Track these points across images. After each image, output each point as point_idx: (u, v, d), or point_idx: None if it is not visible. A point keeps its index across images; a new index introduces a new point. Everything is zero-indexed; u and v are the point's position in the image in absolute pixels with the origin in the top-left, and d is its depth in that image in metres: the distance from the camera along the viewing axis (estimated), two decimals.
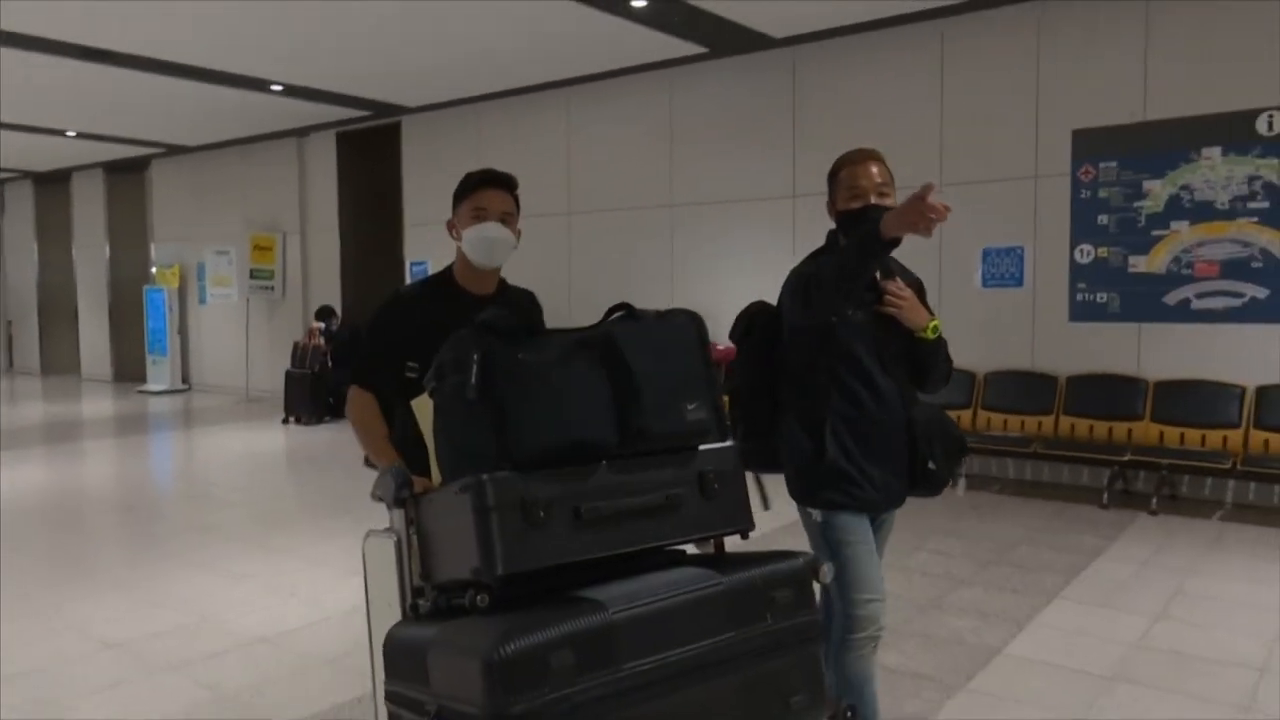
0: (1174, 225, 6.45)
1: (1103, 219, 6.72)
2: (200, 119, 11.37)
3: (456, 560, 1.74)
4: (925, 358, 2.64)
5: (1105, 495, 6.30)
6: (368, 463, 2.38)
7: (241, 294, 12.90)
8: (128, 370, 15.31)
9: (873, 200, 2.57)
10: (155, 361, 14.33)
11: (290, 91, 9.91)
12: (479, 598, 1.66)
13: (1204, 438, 6.20)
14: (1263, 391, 6.13)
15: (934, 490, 2.66)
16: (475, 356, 1.73)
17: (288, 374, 11.15)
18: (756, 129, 8.42)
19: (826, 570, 1.89)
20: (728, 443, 1.98)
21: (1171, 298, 6.46)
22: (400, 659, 1.75)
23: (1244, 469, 5.93)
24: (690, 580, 1.73)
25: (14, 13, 7.14)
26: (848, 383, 2.55)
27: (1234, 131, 6.19)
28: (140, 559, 5.57)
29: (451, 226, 2.53)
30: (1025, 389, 6.94)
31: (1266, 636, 4.02)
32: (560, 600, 1.65)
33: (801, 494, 2.62)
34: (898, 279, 2.60)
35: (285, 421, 10.83)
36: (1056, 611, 4.36)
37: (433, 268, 10.94)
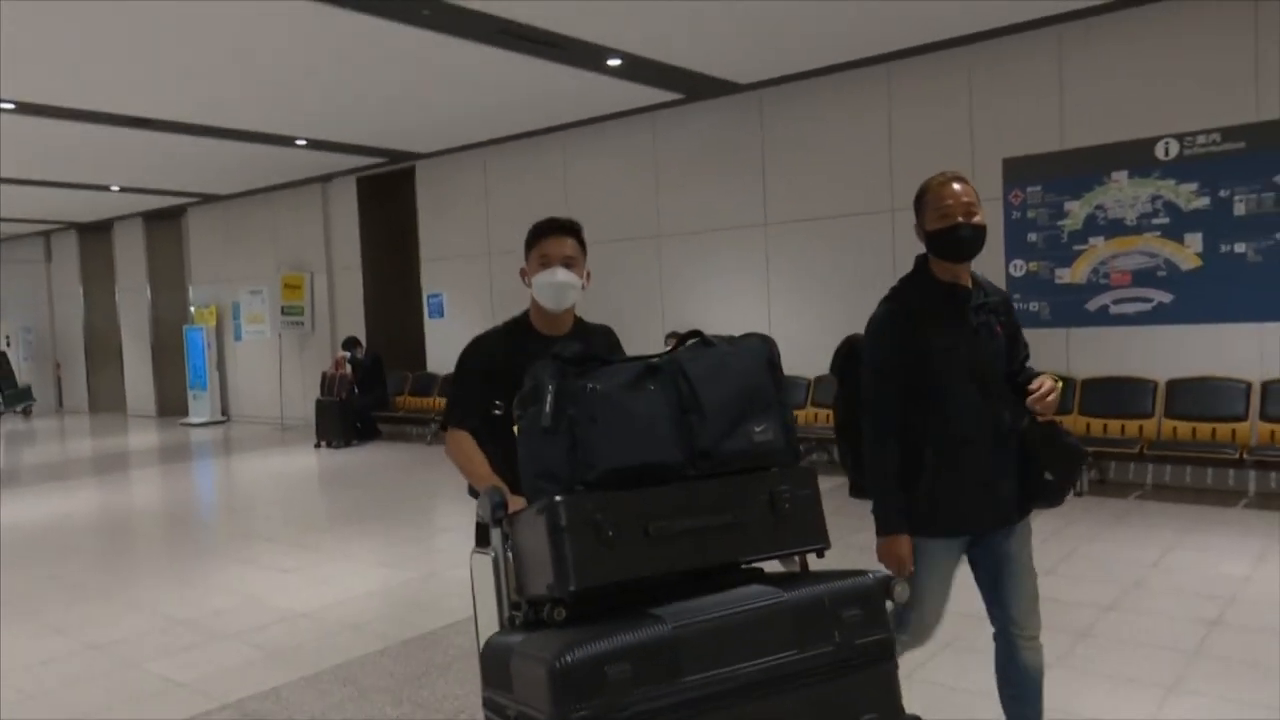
0: (1091, 240, 7.28)
1: (1031, 237, 7.57)
2: (232, 171, 12.47)
3: (538, 576, 1.82)
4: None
5: None
6: (472, 491, 2.52)
7: (274, 330, 13.97)
8: (170, 405, 16.43)
9: (959, 220, 2.56)
10: (196, 396, 15.43)
11: (314, 145, 10.97)
12: (556, 612, 1.76)
13: (1123, 427, 6.99)
14: (1171, 385, 6.92)
15: (1053, 501, 2.68)
16: (550, 387, 1.86)
17: (318, 402, 12.15)
18: (730, 164, 9.34)
19: (901, 590, 1.88)
20: (801, 463, 2.03)
21: (1092, 304, 7.27)
22: (492, 667, 1.85)
23: (1154, 453, 6.73)
24: (755, 596, 1.77)
25: (64, 90, 8.23)
26: (939, 412, 2.58)
27: (1138, 157, 7.02)
28: (196, 558, 6.52)
29: (524, 273, 2.70)
30: None
31: (1124, 583, 4.84)
32: (627, 615, 1.70)
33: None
34: (1043, 380, 2.57)
35: (317, 446, 11.82)
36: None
37: (447, 300, 11.98)
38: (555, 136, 10.70)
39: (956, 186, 2.59)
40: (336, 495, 9.10)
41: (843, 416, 2.80)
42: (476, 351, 2.72)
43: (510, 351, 2.58)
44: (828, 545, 1.98)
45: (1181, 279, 6.90)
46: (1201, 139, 6.78)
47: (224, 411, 15.38)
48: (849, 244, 8.59)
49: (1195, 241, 6.85)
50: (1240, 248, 6.66)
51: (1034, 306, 7.56)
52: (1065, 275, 7.43)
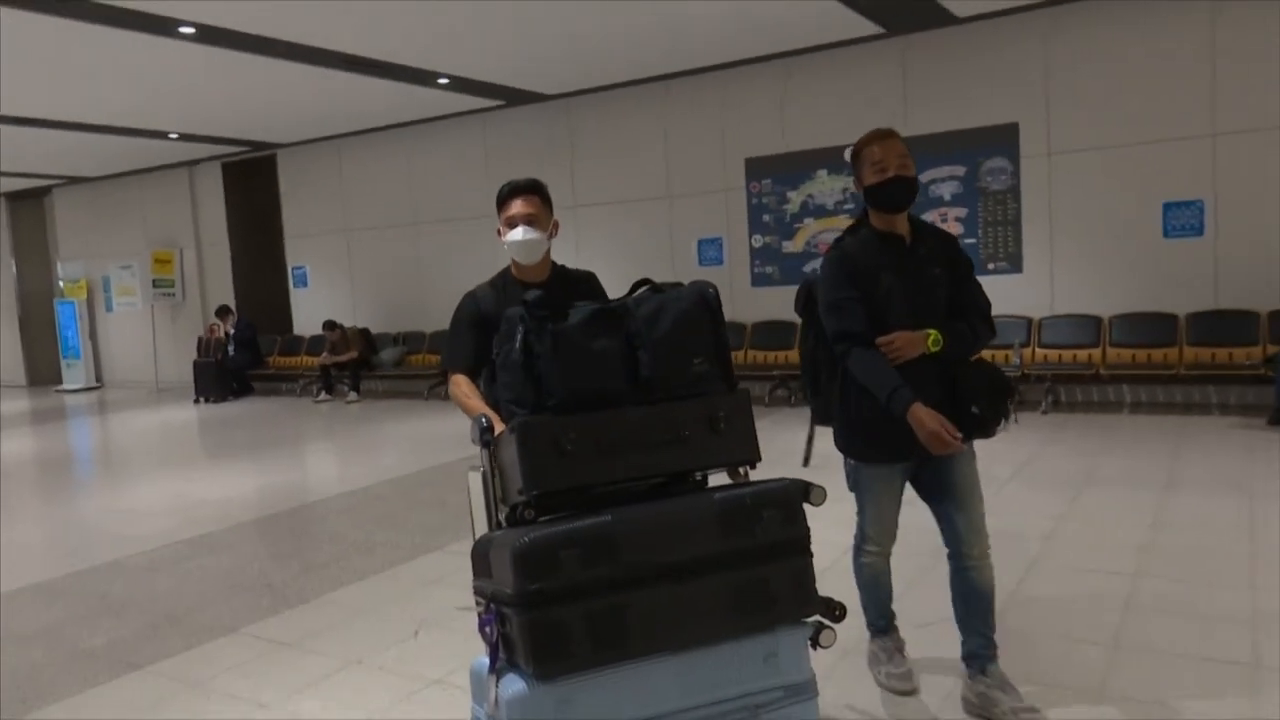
0: (806, 221, 9.82)
1: (765, 218, 10.05)
2: (101, 157, 13.71)
3: (513, 484, 2.14)
4: (949, 356, 2.80)
5: (766, 399, 9.62)
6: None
7: (146, 301, 15.27)
8: (42, 375, 17.41)
9: (892, 173, 2.73)
10: (70, 364, 16.53)
11: (185, 138, 12.45)
12: (527, 512, 2.11)
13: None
14: None
15: (985, 433, 2.82)
16: (520, 328, 2.17)
17: (196, 363, 13.71)
18: (546, 156, 11.46)
19: (818, 494, 2.16)
20: (735, 390, 2.30)
21: (808, 267, 9.81)
22: (478, 559, 2.20)
23: None
24: (690, 500, 2.14)
25: None
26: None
27: (833, 158, 9.55)
28: (120, 477, 8.27)
29: (498, 233, 2.96)
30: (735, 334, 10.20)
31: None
32: (582, 513, 2.05)
33: (839, 445, 2.99)
34: (893, 336, 2.76)
35: (196, 401, 13.40)
36: None
37: (310, 271, 13.69)
38: (399, 132, 12.53)
39: (892, 142, 2.77)
40: (221, 435, 10.83)
41: (804, 350, 3.04)
42: (467, 304, 2.98)
43: (496, 301, 2.86)
44: (759, 459, 2.30)
45: None
46: None
47: (98, 378, 16.55)
48: (636, 223, 10.88)
49: None
50: None
51: (769, 270, 10.06)
52: (789, 246, 9.95)
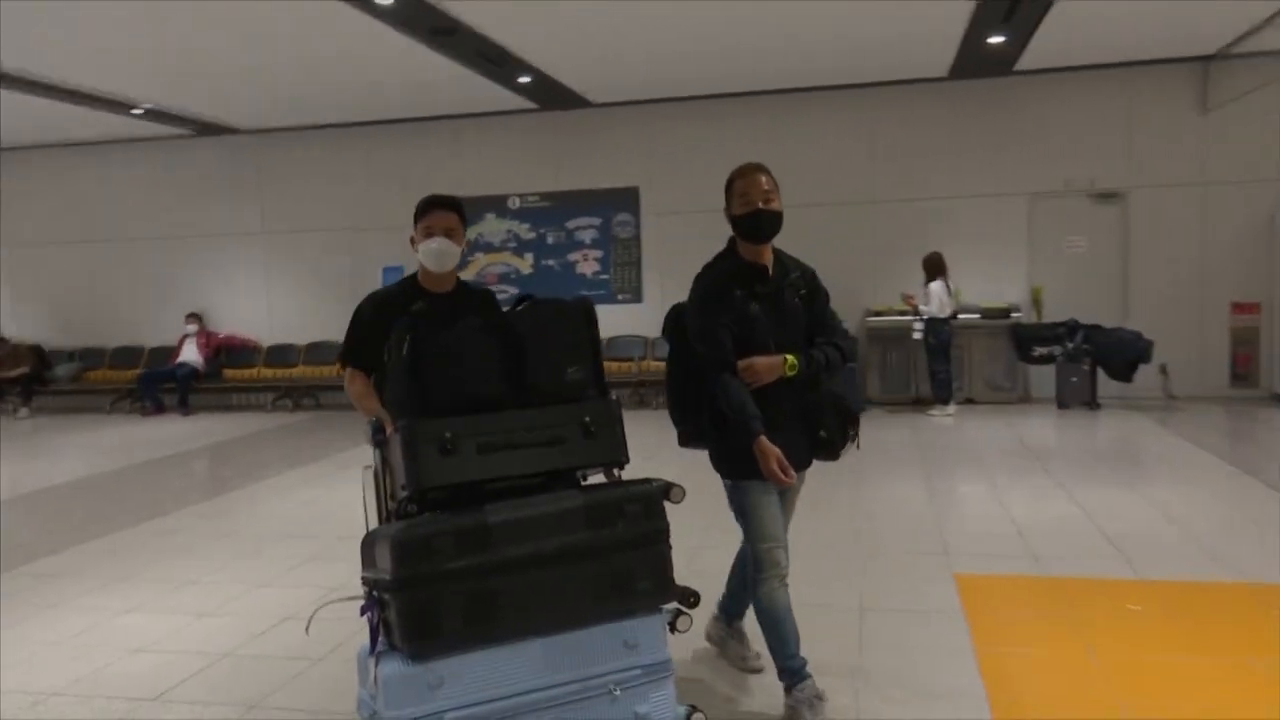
0: (478, 255, 11.70)
1: None
2: None
3: (399, 481, 2.34)
4: (803, 381, 2.96)
5: None
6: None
7: None
8: None
9: (760, 206, 2.89)
10: None
11: None
12: (410, 506, 2.31)
13: None
14: None
15: (831, 455, 3.03)
16: (407, 338, 2.34)
17: None
18: (238, 184, 12.34)
19: (678, 493, 2.38)
20: (606, 398, 2.49)
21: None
22: (366, 551, 2.41)
23: None
24: (560, 496, 2.33)
25: None
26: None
27: (498, 205, 11.54)
28: None
29: (413, 240, 3.05)
30: None
31: None
32: (461, 509, 2.24)
33: (717, 466, 3.07)
34: (752, 361, 2.90)
35: None
36: None
37: (26, 283, 13.20)
38: (96, 149, 12.61)
39: (758, 177, 2.91)
40: None
41: (670, 372, 3.16)
42: (370, 304, 3.12)
43: (400, 305, 2.94)
44: (627, 460, 2.48)
45: (524, 279, 11.58)
46: (531, 197, 11.50)
47: None
48: (323, 251, 12.12)
49: (530, 258, 11.58)
50: (550, 262, 11.51)
51: None
52: (463, 275, 11.68)
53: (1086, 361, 9.69)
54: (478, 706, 2.19)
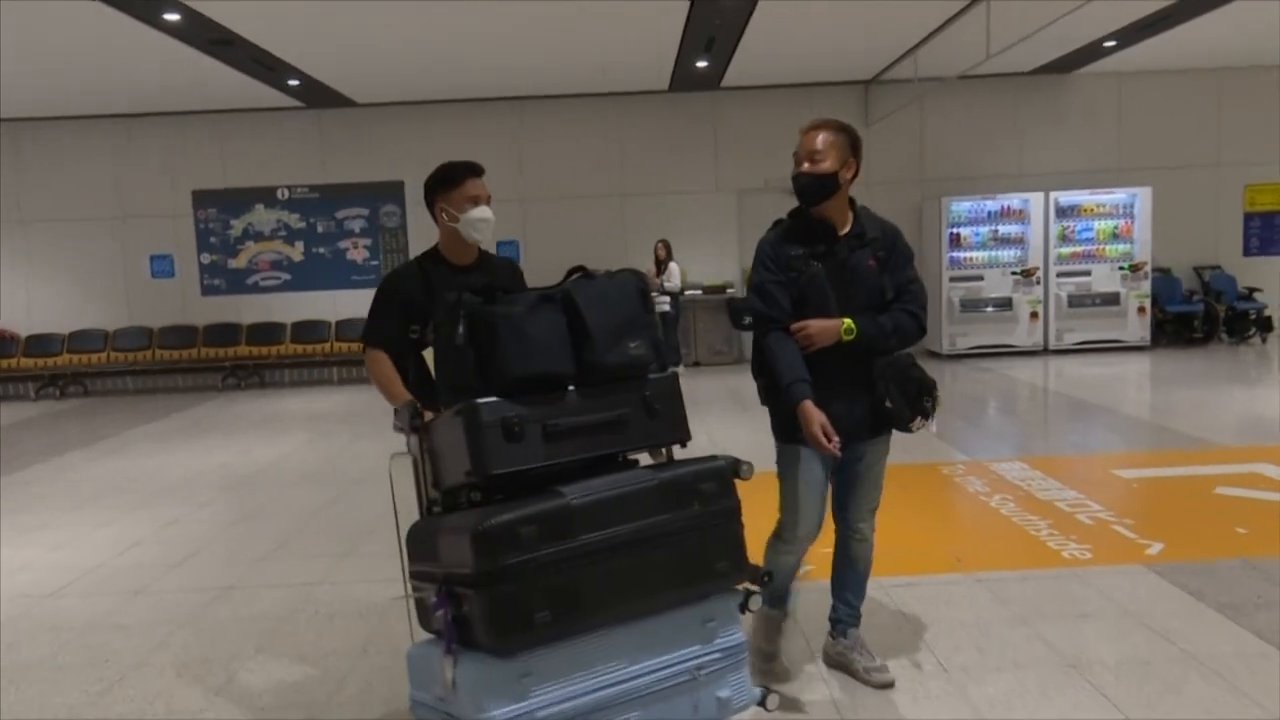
0: (248, 243, 12.34)
1: (213, 240, 12.33)
2: None
3: (455, 468, 2.26)
4: (867, 347, 2.84)
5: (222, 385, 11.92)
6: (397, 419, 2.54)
7: None
8: None
9: (805, 167, 2.82)
10: None
11: None
12: (472, 494, 2.25)
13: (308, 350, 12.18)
14: (295, 325, 12.31)
15: (900, 426, 2.88)
16: (461, 314, 2.26)
17: None
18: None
19: (747, 469, 2.33)
20: (668, 372, 2.44)
21: (250, 280, 12.33)
22: (418, 545, 2.35)
23: (289, 364, 12.07)
24: (634, 477, 2.29)
25: None
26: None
27: (266, 196, 12.24)
28: None
29: (441, 211, 2.85)
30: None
31: None
32: (534, 493, 2.18)
33: (771, 425, 2.98)
34: (806, 323, 2.81)
35: None
36: None
37: None
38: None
39: (813, 134, 2.82)
40: None
41: (755, 339, 2.98)
42: (393, 281, 2.96)
43: (425, 281, 2.85)
44: (689, 437, 2.46)
45: (294, 266, 12.36)
46: (300, 189, 12.29)
47: None
48: (87, 240, 12.26)
49: (300, 246, 12.38)
50: (321, 249, 12.38)
51: (217, 282, 12.35)
52: (234, 263, 12.36)
53: None
54: (569, 703, 2.16)
